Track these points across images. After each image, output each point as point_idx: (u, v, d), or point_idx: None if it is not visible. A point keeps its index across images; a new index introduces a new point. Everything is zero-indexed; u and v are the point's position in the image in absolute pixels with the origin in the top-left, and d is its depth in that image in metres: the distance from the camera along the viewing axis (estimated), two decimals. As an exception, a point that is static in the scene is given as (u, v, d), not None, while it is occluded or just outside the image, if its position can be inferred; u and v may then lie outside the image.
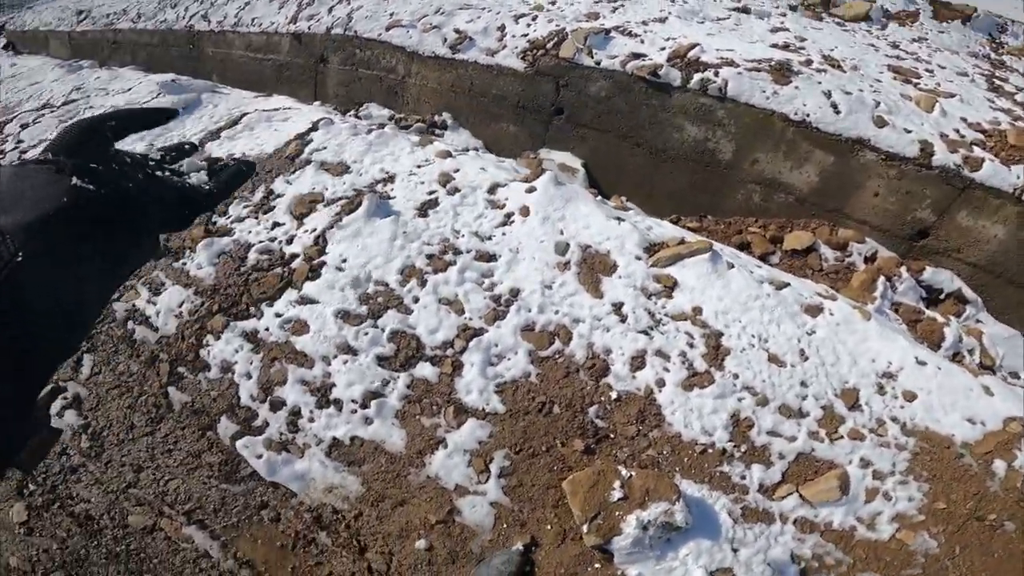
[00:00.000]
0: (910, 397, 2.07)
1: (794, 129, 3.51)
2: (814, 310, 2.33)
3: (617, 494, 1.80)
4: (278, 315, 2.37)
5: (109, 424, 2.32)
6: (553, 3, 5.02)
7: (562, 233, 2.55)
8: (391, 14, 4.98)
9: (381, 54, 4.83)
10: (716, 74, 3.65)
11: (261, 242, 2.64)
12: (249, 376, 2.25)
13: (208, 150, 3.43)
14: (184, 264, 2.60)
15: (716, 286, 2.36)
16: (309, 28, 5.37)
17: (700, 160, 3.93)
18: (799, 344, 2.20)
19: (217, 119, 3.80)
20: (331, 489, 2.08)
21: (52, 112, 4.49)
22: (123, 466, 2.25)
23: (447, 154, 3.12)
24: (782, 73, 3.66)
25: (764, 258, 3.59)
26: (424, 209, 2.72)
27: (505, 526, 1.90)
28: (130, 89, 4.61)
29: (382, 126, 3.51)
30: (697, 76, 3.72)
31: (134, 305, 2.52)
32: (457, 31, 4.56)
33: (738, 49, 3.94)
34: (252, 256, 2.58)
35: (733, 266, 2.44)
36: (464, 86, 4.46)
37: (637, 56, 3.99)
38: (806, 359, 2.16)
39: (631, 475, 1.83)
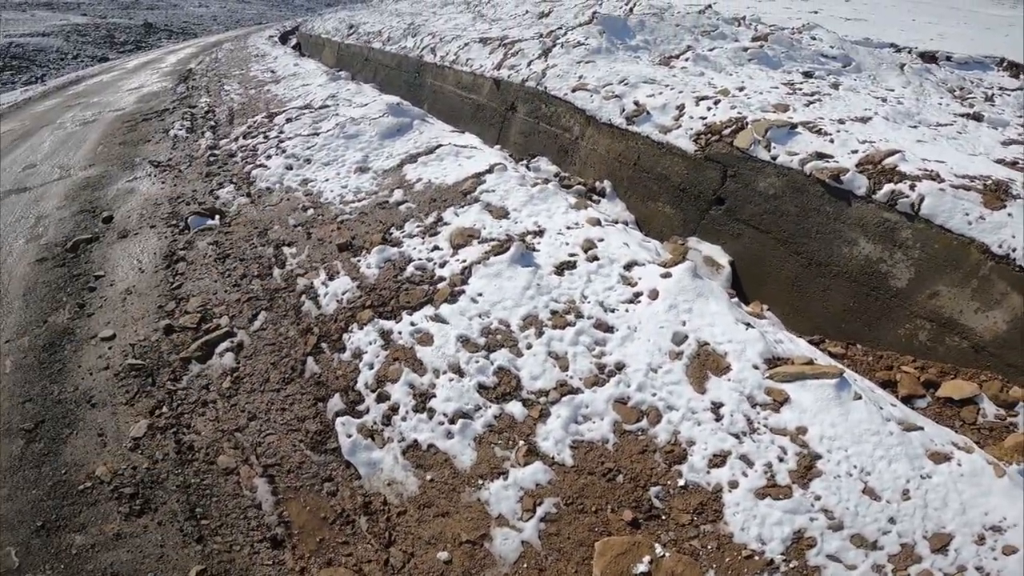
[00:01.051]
0: (1010, 551, 1.74)
1: (993, 264, 2.94)
2: (940, 457, 2.04)
3: (642, 568, 1.76)
4: (412, 324, 2.77)
5: (252, 373, 2.69)
6: (741, 89, 4.95)
7: (684, 324, 2.55)
8: (580, 76, 5.37)
9: (562, 113, 5.24)
10: (912, 187, 3.14)
11: (419, 259, 3.11)
12: (371, 367, 2.64)
13: (405, 170, 4.10)
14: (359, 261, 3.18)
15: (832, 413, 2.20)
16: (508, 77, 6.02)
17: (866, 282, 3.47)
18: (906, 484, 1.95)
19: (419, 145, 4.52)
20: (391, 483, 2.29)
21: (311, 113, 5.72)
22: (242, 411, 2.51)
23: (596, 222, 3.31)
24: (997, 195, 3.04)
25: (909, 400, 3.11)
26: (561, 268, 2.91)
27: (525, 566, 1.92)
28: (366, 104, 5.67)
29: (546, 181, 3.85)
30: (887, 187, 3.24)
31: (312, 283, 3.15)
32: (636, 103, 4.75)
33: (950, 161, 3.43)
34: (409, 269, 3.05)
35: (860, 397, 2.24)
36: (631, 158, 4.62)
37: (821, 156, 3.66)
38: (907, 499, 1.91)
39: (664, 555, 1.77)
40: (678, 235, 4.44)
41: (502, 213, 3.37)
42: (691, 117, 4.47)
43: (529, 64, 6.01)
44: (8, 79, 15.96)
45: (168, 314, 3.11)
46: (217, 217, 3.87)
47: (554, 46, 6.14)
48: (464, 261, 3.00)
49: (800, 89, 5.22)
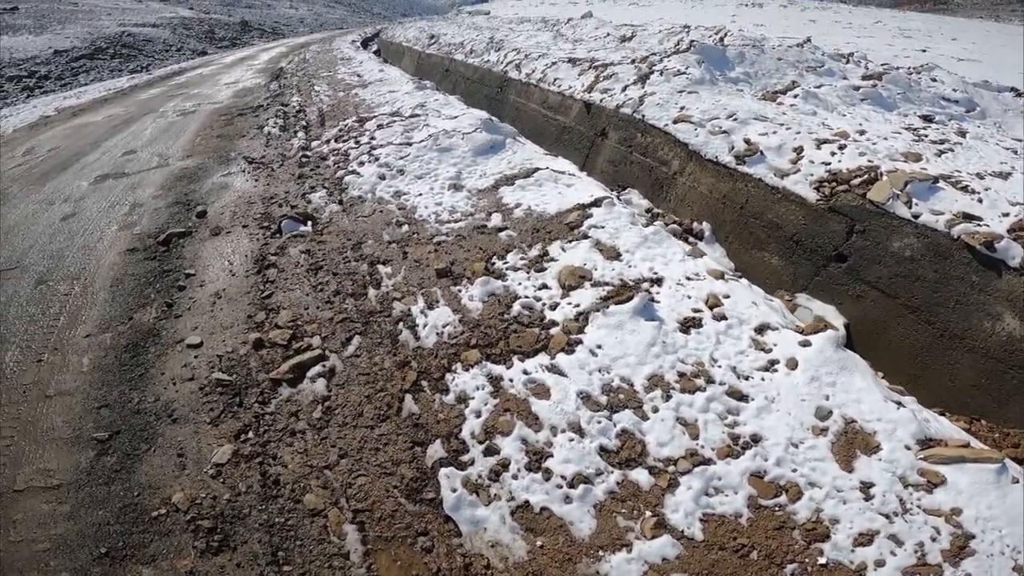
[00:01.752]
0: None
1: None
2: None
3: None
4: (526, 372, 2.45)
5: (344, 405, 2.44)
6: (861, 132, 4.42)
7: (827, 399, 2.31)
8: (682, 107, 4.96)
9: (660, 144, 4.84)
10: (1078, 266, 2.72)
11: (527, 297, 2.79)
12: (479, 415, 2.35)
13: (501, 192, 3.81)
14: (460, 291, 2.89)
15: (991, 496, 2.04)
16: (600, 101, 5.69)
17: (1006, 359, 2.97)
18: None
19: (513, 166, 4.24)
20: (496, 545, 2.04)
21: (401, 121, 5.57)
22: (332, 446, 2.27)
23: (720, 275, 2.93)
24: None
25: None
26: (687, 326, 2.59)
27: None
28: (456, 117, 5.47)
29: (653, 217, 3.47)
30: (1049, 259, 2.82)
31: (409, 309, 2.88)
32: (747, 141, 4.31)
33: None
34: (516, 307, 2.74)
35: (1018, 481, 2.08)
36: (737, 201, 4.17)
37: (969, 218, 3.18)
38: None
39: None
40: (785, 290, 3.96)
41: (613, 254, 3.02)
42: (811, 161, 3.99)
43: (624, 89, 5.66)
44: (117, 66, 17.07)
45: (258, 326, 2.91)
46: (309, 223, 3.70)
47: (651, 73, 5.77)
48: (578, 306, 2.67)
49: (925, 136, 4.62)
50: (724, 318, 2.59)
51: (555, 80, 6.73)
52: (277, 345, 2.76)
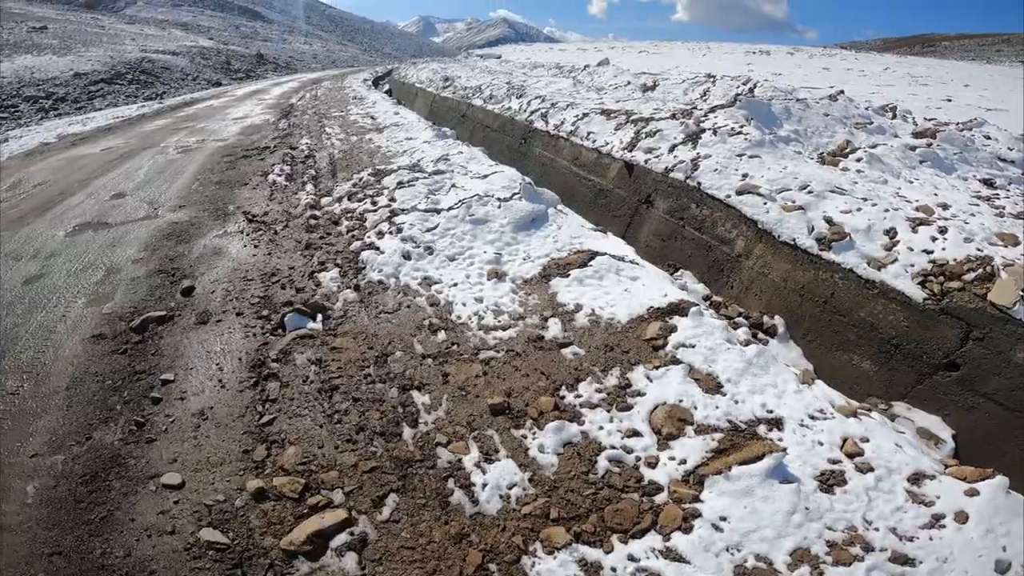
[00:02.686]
0: None
1: None
2: None
3: None
4: (633, 559, 1.74)
5: None
6: (945, 207, 3.81)
7: (1005, 550, 2.00)
8: (744, 175, 4.35)
9: (721, 219, 4.20)
10: None
11: (614, 448, 2.05)
12: None
13: (554, 286, 3.09)
14: (525, 437, 2.12)
15: None
16: (645, 162, 5.09)
17: None
18: None
19: (561, 247, 3.55)
20: None
21: (424, 179, 4.91)
22: None
23: (852, 412, 2.23)
24: None
25: None
26: (828, 482, 2.01)
27: None
28: (486, 176, 4.82)
29: (714, 307, 2.76)
30: None
31: (460, 460, 2.10)
32: (829, 221, 3.67)
33: None
34: (603, 462, 2.00)
35: None
36: (820, 294, 3.49)
37: None
38: None
39: None
40: (878, 397, 3.25)
41: (713, 385, 2.30)
42: (910, 248, 3.35)
43: (672, 150, 5.07)
44: (133, 92, 16.72)
45: (257, 466, 2.12)
46: (319, 317, 2.93)
47: (701, 131, 5.20)
48: (683, 462, 1.98)
49: (1002, 207, 4.04)
50: (870, 469, 2.05)
51: (588, 134, 6.17)
52: (286, 498, 1.97)
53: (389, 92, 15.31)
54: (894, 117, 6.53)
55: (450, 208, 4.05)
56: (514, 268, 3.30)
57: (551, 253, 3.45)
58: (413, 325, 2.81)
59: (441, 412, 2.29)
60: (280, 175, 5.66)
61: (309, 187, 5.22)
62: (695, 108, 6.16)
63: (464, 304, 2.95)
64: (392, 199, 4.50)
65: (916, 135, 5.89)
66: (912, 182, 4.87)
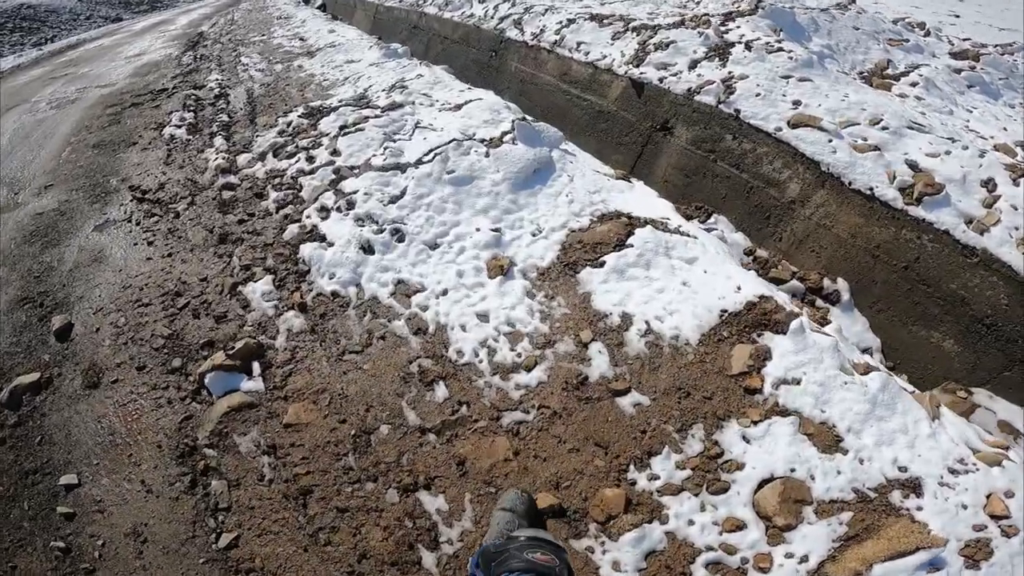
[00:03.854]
0: None
1: None
2: None
3: None
4: None
5: None
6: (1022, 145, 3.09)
7: None
8: (795, 102, 3.41)
9: (768, 156, 3.31)
10: None
11: (711, 548, 1.40)
12: None
13: (584, 282, 2.22)
14: (590, 550, 1.42)
15: None
16: (660, 80, 4.01)
17: None
18: None
19: (578, 209, 2.61)
20: None
21: (376, 117, 3.69)
22: None
23: (995, 461, 1.63)
24: None
25: None
26: (974, 558, 1.46)
27: None
28: (460, 107, 3.65)
29: (811, 300, 2.06)
30: None
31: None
32: (913, 166, 2.87)
33: None
34: (700, 571, 1.33)
35: None
36: (901, 258, 2.78)
37: None
38: None
39: None
40: (956, 381, 2.73)
41: (831, 440, 1.62)
42: (1013, 207, 2.68)
43: (693, 67, 3.99)
44: (18, 41, 13.83)
45: None
46: (256, 369, 2.00)
47: (728, 45, 4.09)
48: (805, 559, 1.43)
49: None
50: (1016, 532, 1.50)
51: (579, 45, 4.90)
52: None
53: (323, 7, 12.66)
54: (927, 34, 5.50)
55: (419, 162, 2.98)
56: (523, 252, 2.39)
57: (568, 221, 2.53)
58: (395, 373, 1.92)
59: (467, 523, 1.52)
60: (180, 126, 4.26)
61: (219, 140, 3.92)
62: (709, 15, 4.91)
63: (464, 328, 2.05)
64: (335, 151, 3.35)
65: (954, 56, 5.02)
66: (970, 111, 4.06)
